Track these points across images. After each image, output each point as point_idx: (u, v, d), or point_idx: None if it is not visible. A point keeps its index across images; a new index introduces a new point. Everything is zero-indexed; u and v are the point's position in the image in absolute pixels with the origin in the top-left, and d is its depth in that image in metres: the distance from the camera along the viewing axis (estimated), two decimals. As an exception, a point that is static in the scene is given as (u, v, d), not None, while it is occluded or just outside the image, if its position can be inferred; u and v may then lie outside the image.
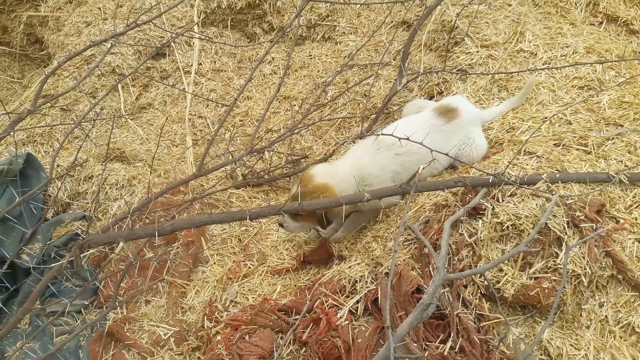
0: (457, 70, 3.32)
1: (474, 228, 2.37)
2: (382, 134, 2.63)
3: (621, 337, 2.10)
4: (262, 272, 2.94)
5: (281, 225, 2.80)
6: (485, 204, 2.37)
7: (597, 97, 3.10)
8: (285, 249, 3.16)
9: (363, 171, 2.74)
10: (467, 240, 2.34)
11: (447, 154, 2.50)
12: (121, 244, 2.25)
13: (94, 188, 3.35)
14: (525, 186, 2.35)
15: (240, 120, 4.49)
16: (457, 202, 2.46)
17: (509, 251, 2.26)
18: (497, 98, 3.26)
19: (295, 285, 2.80)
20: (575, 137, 2.74)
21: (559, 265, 2.16)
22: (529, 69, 3.16)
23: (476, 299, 2.24)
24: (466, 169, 2.77)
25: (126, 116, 4.29)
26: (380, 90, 4.11)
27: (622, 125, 2.78)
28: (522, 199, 2.35)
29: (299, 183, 2.69)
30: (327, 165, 2.89)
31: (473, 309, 2.20)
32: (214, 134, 3.15)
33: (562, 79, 3.28)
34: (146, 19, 3.18)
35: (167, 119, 4.35)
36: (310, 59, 4.86)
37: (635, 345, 2.08)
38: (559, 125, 2.91)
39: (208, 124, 4.41)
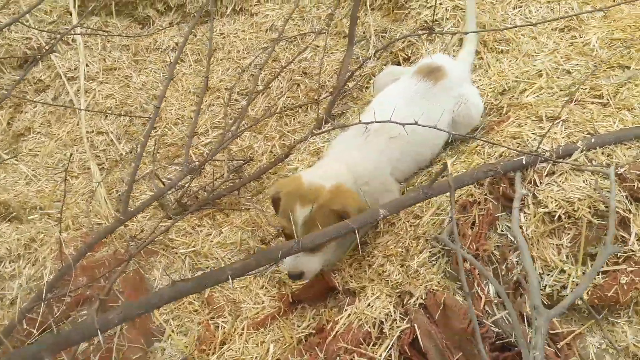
0: (430, 31, 2.92)
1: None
2: (362, 123, 2.18)
3: None
4: (242, 328, 2.40)
5: (297, 276, 2.25)
6: (522, 191, 2.00)
7: (583, 37, 2.86)
8: (259, 287, 2.63)
9: (356, 168, 2.32)
10: (513, 242, 1.97)
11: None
12: None
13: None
14: (565, 161, 2.01)
15: (153, 129, 3.79)
16: (486, 194, 2.08)
17: (567, 246, 1.93)
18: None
19: (292, 338, 2.30)
20: (585, 88, 2.46)
21: (632, 252, 1.86)
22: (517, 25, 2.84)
23: (541, 313, 1.87)
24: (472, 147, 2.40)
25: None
26: (324, 65, 3.61)
27: (628, 67, 2.55)
28: (566, 178, 2.02)
29: (295, 202, 2.18)
30: (312, 171, 2.40)
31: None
32: (137, 158, 2.50)
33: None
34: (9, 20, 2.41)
35: (56, 142, 3.55)
36: (224, 38, 4.25)
37: None
38: (558, 77, 2.63)
39: (113, 141, 3.67)
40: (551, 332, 1.80)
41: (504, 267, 1.97)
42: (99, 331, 1.74)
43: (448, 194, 2.07)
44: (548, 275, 1.92)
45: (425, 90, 2.49)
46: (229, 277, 1.86)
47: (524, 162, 2.04)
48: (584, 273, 1.90)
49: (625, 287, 1.84)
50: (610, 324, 1.92)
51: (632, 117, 2.24)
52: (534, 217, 1.98)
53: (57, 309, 2.33)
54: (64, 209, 2.92)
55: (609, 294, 1.83)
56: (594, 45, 2.77)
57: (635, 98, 2.35)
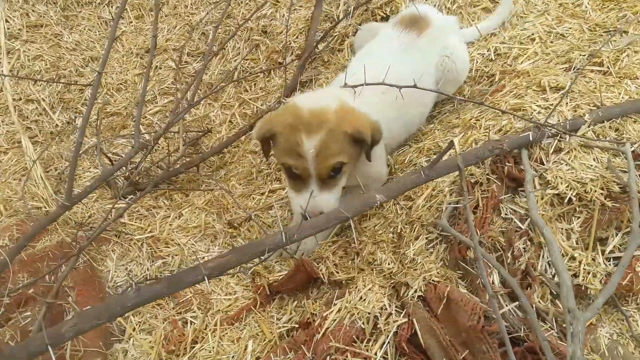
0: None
1: (523, 207, 1.87)
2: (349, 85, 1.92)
3: None
4: (214, 324, 2.18)
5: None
6: (532, 172, 1.87)
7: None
8: (230, 276, 2.41)
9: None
10: (519, 227, 1.84)
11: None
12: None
13: None
14: (583, 137, 1.89)
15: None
16: (489, 174, 1.93)
17: (577, 231, 1.82)
18: (468, 15, 2.74)
19: (272, 333, 2.11)
20: (584, 54, 2.34)
21: (646, 236, 1.77)
22: None
23: (550, 303, 1.78)
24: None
25: None
26: (288, 22, 3.33)
27: (625, 32, 2.44)
28: (575, 156, 1.90)
29: (300, 131, 1.88)
30: (307, 95, 2.21)
31: (552, 319, 1.73)
32: (79, 134, 2.18)
33: (528, -20, 2.85)
34: None
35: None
36: (170, -10, 3.85)
37: None
38: (552, 42, 2.50)
39: (45, 110, 3.27)
40: (564, 325, 1.70)
41: (509, 254, 1.84)
42: (49, 347, 1.49)
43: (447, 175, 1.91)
44: (559, 262, 1.80)
45: (408, 42, 2.31)
46: (205, 278, 1.64)
47: (530, 139, 1.89)
48: (593, 259, 1.80)
49: (640, 275, 1.75)
50: (619, 313, 1.85)
51: (636, 88, 2.14)
52: (542, 199, 1.86)
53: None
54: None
55: (624, 283, 1.75)
56: (586, 7, 2.65)
57: (636, 66, 2.26)
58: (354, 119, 1.90)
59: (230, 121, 3.25)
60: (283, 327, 2.12)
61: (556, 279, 1.76)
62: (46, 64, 3.43)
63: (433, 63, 2.35)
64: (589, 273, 1.77)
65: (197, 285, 2.31)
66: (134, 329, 2.21)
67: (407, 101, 2.11)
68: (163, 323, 2.22)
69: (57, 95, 3.34)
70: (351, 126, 1.88)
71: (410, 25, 2.33)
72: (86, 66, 3.54)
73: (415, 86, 1.75)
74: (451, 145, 1.70)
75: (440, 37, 2.38)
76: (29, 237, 2.04)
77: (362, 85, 1.81)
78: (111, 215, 2.38)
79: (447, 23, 2.48)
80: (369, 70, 1.81)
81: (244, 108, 3.29)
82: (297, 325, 2.11)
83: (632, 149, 1.83)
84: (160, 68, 3.53)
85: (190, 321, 2.21)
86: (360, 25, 3.00)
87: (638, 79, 2.19)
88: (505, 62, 2.45)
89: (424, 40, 2.32)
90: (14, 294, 2.08)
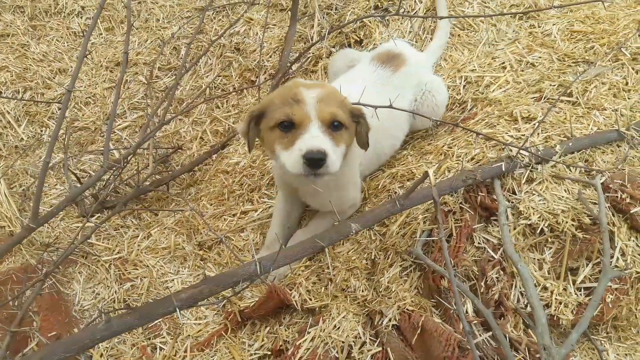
0: (385, 13, 2.70)
1: (496, 237, 1.88)
2: None
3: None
4: (184, 350, 2.12)
5: (317, 163, 1.67)
6: (506, 203, 1.88)
7: (542, 27, 2.79)
8: (200, 299, 2.33)
9: None
10: (492, 257, 1.85)
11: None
12: None
13: None
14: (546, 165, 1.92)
15: (59, 109, 3.31)
16: (462, 203, 1.93)
17: (549, 261, 1.84)
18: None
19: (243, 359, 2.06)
20: (554, 84, 2.39)
21: (617, 267, 1.80)
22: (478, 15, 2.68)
23: (522, 332, 1.78)
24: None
25: None
26: (258, 38, 3.30)
27: (592, 62, 2.50)
28: (547, 187, 1.92)
29: (301, 89, 1.77)
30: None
31: (525, 349, 1.74)
32: (47, 153, 2.10)
33: (498, 8, 2.90)
34: None
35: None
36: (140, 3, 3.79)
37: None
38: (523, 71, 2.54)
39: (10, 123, 3.15)
40: (536, 355, 1.71)
41: (482, 283, 1.85)
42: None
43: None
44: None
45: (386, 77, 2.33)
46: (177, 309, 1.58)
47: (503, 169, 1.90)
48: (565, 289, 1.82)
49: (610, 305, 1.78)
50: (588, 342, 1.87)
51: (603, 119, 2.19)
52: (514, 229, 1.87)
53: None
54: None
55: (595, 313, 1.76)
56: (555, 37, 2.70)
57: (604, 97, 2.31)
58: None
59: (201, 137, 3.19)
60: (255, 354, 2.07)
61: (528, 308, 1.77)
62: (12, 75, 3.31)
63: (408, 99, 2.37)
64: (560, 303, 1.78)
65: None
66: (101, 355, 2.12)
67: (380, 134, 2.13)
68: (131, 349, 2.14)
69: (22, 108, 3.22)
70: (348, 101, 1.82)
71: (386, 61, 2.35)
72: (54, 78, 3.43)
73: (390, 106, 1.76)
74: (426, 175, 1.70)
75: (415, 74, 2.41)
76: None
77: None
78: (78, 237, 2.29)
79: (420, 59, 2.52)
80: None
81: (215, 125, 3.23)
82: (269, 353, 2.06)
83: (602, 181, 1.85)
84: (130, 82, 3.44)
85: (160, 347, 2.14)
86: (334, 47, 2.99)
87: (605, 110, 2.23)
88: (477, 90, 2.47)
89: (400, 77, 2.33)
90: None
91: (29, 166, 2.90)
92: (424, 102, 2.37)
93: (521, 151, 1.92)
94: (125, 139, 3.20)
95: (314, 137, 1.66)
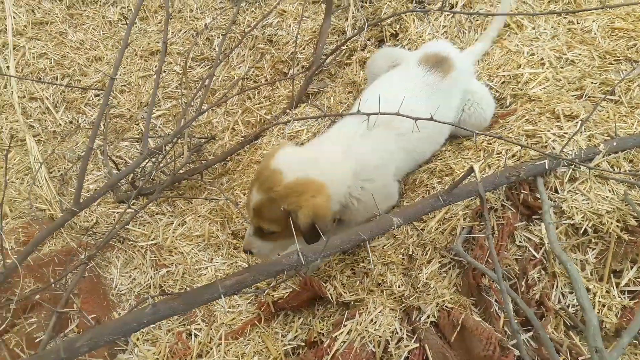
0: (422, 8, 2.62)
1: (538, 236, 1.82)
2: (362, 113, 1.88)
3: None
4: (219, 338, 2.10)
5: (249, 251, 1.97)
6: (550, 202, 1.81)
7: (581, 23, 2.70)
8: (235, 289, 2.31)
9: (364, 159, 2.00)
10: (534, 256, 1.79)
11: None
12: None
13: None
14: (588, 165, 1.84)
15: (96, 96, 3.31)
16: (504, 201, 1.87)
17: (592, 262, 1.77)
18: (467, 41, 2.68)
19: (277, 350, 2.04)
20: (595, 82, 2.30)
21: (660, 271, 1.73)
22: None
23: (563, 334, 1.73)
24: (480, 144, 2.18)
25: None
26: (291, 30, 3.25)
27: (636, 61, 2.40)
28: (590, 187, 1.85)
29: (256, 182, 1.88)
30: (298, 149, 2.05)
31: (566, 351, 1.68)
32: (90, 140, 2.08)
33: (537, 4, 2.81)
34: None
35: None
36: (176, -7, 3.75)
37: None
38: (562, 68, 2.45)
39: (49, 108, 3.16)
40: (578, 358, 1.65)
41: (523, 282, 1.79)
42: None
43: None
44: (571, 294, 1.75)
45: (435, 83, 2.19)
46: (222, 295, 1.56)
47: (546, 167, 1.83)
48: (608, 292, 1.76)
49: (655, 309, 1.70)
50: (633, 346, 1.80)
51: (646, 119, 2.10)
52: (557, 229, 1.80)
53: (0, 317, 1.93)
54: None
55: None
56: (595, 34, 2.61)
57: (647, 97, 2.21)
58: (300, 199, 1.80)
59: (232, 128, 3.15)
60: (289, 344, 2.05)
61: (570, 309, 1.71)
62: (50, 62, 3.31)
63: (455, 106, 2.26)
64: (604, 306, 1.72)
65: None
66: (138, 339, 2.12)
67: (421, 141, 2.08)
68: (167, 334, 2.13)
69: (60, 94, 3.22)
70: (292, 205, 1.79)
71: (435, 65, 2.21)
72: (90, 65, 3.42)
73: (431, 119, 1.71)
74: (471, 171, 1.65)
75: (462, 80, 2.29)
76: (37, 242, 1.94)
77: (374, 113, 1.78)
78: (118, 221, 2.28)
79: (467, 65, 2.39)
80: (391, 107, 1.77)
81: (246, 116, 3.20)
82: (303, 344, 2.04)
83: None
84: (165, 72, 3.42)
85: (195, 333, 2.13)
86: (369, 40, 2.92)
87: (647, 109, 2.15)
88: (516, 87, 2.39)
89: (448, 83, 2.21)
90: (22, 300, 1.98)
91: (67, 151, 2.89)
92: (472, 114, 2.27)
93: (564, 150, 1.85)
94: (159, 127, 3.18)
95: (246, 238, 1.97)
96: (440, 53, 2.25)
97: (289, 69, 3.17)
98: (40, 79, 3.16)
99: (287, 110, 2.86)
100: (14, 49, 3.20)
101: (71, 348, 1.42)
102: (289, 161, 1.90)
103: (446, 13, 2.64)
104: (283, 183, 1.83)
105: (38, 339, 1.99)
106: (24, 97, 3.11)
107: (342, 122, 2.16)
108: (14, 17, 3.31)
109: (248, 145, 2.90)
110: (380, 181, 2.00)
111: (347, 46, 3.01)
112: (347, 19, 3.19)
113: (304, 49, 3.28)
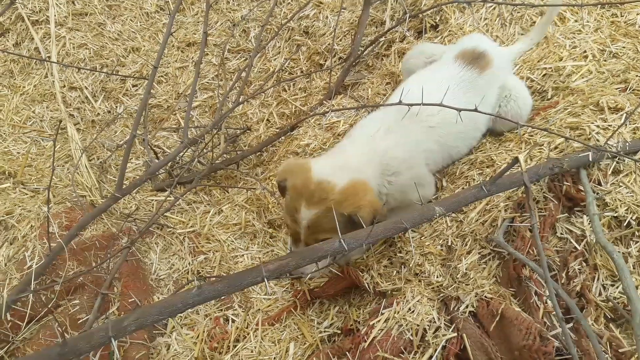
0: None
1: (579, 228, 1.83)
2: (402, 103, 1.89)
3: None
4: (255, 323, 2.16)
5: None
6: (594, 194, 1.82)
7: (625, 16, 2.67)
8: (270, 276, 2.37)
9: (387, 155, 2.05)
10: (575, 248, 1.80)
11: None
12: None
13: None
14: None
15: (133, 86, 3.41)
16: (546, 192, 1.89)
17: (634, 255, 1.77)
18: (507, 35, 2.68)
19: (312, 337, 2.08)
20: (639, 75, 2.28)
21: None
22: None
23: (603, 327, 1.73)
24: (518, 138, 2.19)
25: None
26: (328, 21, 3.29)
27: (682, 54, 2.38)
28: (634, 179, 1.85)
29: (301, 200, 1.93)
30: (324, 158, 2.12)
31: (606, 343, 1.69)
32: (133, 128, 2.16)
33: (579, -4, 2.79)
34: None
35: (21, 97, 3.12)
36: (213, -14, 3.82)
37: None
38: (605, 61, 2.44)
39: (88, 98, 3.26)
40: (619, 350, 1.66)
41: (563, 274, 1.80)
42: (112, 340, 1.48)
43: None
44: (612, 286, 1.76)
45: (472, 79, 2.20)
46: (265, 279, 1.61)
47: (590, 159, 1.84)
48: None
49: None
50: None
51: (692, 113, 2.08)
52: (599, 221, 1.81)
53: (45, 298, 2.02)
54: (41, 177, 2.56)
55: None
56: (639, 27, 2.58)
57: (692, 91, 2.19)
58: (356, 200, 1.88)
59: (267, 120, 3.21)
60: (325, 331, 2.09)
61: (610, 303, 1.72)
62: (90, 53, 3.42)
63: (491, 102, 2.26)
64: (645, 299, 1.71)
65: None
66: (178, 325, 2.19)
67: (457, 134, 2.10)
68: (205, 319, 2.19)
69: (99, 84, 3.32)
70: (352, 207, 1.87)
71: (472, 61, 2.22)
72: (127, 56, 3.52)
73: (476, 110, 1.73)
74: (516, 161, 1.67)
75: (500, 77, 2.30)
76: (81, 226, 2.03)
77: (416, 104, 1.81)
78: (158, 208, 2.36)
79: (504, 61, 2.39)
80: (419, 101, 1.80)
81: (281, 107, 3.25)
82: (339, 331, 2.08)
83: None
84: (201, 63, 3.49)
85: (232, 319, 2.19)
86: (408, 31, 2.95)
87: (692, 104, 2.13)
88: (558, 79, 2.39)
89: (485, 79, 2.22)
90: (66, 282, 2.07)
91: (106, 140, 2.99)
92: (509, 111, 2.27)
93: (609, 142, 1.85)
94: (195, 118, 3.26)
95: (303, 269, 1.83)
96: (477, 49, 2.26)
97: (325, 61, 3.21)
98: (79, 68, 3.27)
99: (324, 102, 2.91)
100: (55, 39, 3.31)
101: (118, 327, 1.49)
102: (330, 169, 1.98)
103: (488, 4, 2.65)
104: (337, 189, 1.91)
105: (80, 320, 2.08)
106: (64, 86, 3.22)
107: (362, 121, 2.23)
108: (55, 8, 3.42)
109: (283, 137, 2.95)
110: (409, 173, 2.04)
111: (385, 37, 3.04)
112: (384, 11, 3.21)
113: (340, 40, 3.31)
